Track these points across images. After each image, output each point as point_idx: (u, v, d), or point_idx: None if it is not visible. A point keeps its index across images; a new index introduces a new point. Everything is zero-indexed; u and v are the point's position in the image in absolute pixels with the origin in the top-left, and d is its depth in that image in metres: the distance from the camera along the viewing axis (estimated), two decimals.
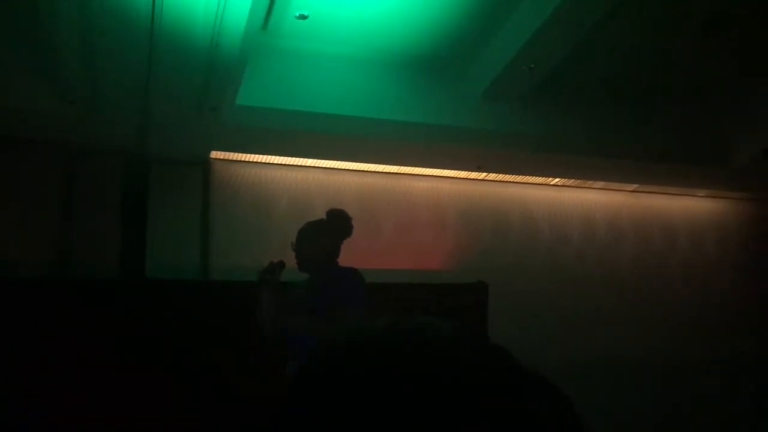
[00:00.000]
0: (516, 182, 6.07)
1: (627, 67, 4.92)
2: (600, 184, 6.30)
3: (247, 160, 5.27)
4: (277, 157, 5.26)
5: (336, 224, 3.16)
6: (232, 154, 5.19)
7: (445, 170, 5.76)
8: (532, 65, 4.34)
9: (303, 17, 4.14)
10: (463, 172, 5.80)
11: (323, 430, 0.48)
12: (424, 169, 5.70)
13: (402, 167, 5.63)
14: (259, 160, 5.30)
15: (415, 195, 5.73)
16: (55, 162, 4.67)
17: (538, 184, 6.16)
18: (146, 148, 4.78)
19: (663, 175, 6.00)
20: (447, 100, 4.82)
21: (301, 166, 5.41)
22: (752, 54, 4.78)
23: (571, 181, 6.20)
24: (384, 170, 5.62)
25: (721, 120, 5.53)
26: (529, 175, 6.00)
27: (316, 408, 0.50)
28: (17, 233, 4.40)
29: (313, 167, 5.45)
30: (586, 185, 6.30)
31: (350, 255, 3.25)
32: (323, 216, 3.21)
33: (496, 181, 6.00)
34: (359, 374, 0.50)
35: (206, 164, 5.19)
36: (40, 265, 4.45)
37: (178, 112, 4.23)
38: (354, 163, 5.47)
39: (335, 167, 5.49)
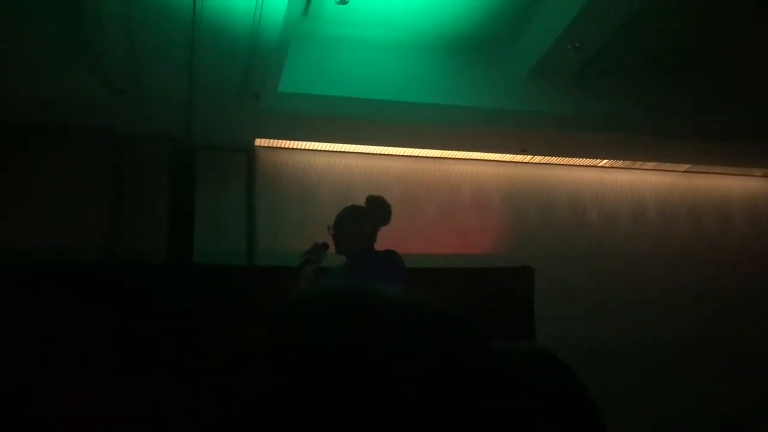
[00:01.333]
0: (562, 164, 5.96)
1: (676, 43, 4.75)
2: (650, 164, 6.13)
3: (290, 146, 5.30)
4: (320, 143, 5.28)
5: (374, 211, 3.17)
6: (275, 141, 5.23)
7: (490, 153, 5.69)
8: (577, 44, 4.24)
9: (343, 2, 4.11)
10: (507, 155, 5.71)
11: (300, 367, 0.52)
12: (468, 152, 5.64)
13: (446, 151, 5.58)
14: (302, 147, 5.32)
15: (459, 179, 5.68)
16: (104, 149, 4.77)
17: (586, 165, 6.03)
18: (192, 135, 4.85)
19: (717, 154, 5.81)
20: (490, 82, 4.75)
21: (343, 152, 5.42)
22: None
23: (619, 163, 6.05)
24: (427, 155, 5.59)
25: None
26: (576, 157, 5.88)
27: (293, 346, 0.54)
28: (67, 220, 4.52)
29: (356, 153, 5.44)
30: (636, 166, 6.14)
31: (394, 240, 3.24)
32: (365, 200, 3.22)
33: (541, 163, 5.90)
34: (325, 322, 0.54)
35: (251, 151, 5.23)
36: (90, 251, 4.56)
37: (221, 100, 4.27)
38: (397, 148, 5.45)
39: (378, 152, 5.47)
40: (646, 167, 6.17)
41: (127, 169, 4.86)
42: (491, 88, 4.73)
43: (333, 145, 5.32)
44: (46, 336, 3.84)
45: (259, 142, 5.21)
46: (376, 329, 0.53)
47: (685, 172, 6.29)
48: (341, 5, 4.14)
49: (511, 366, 0.54)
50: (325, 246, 3.19)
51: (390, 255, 3.04)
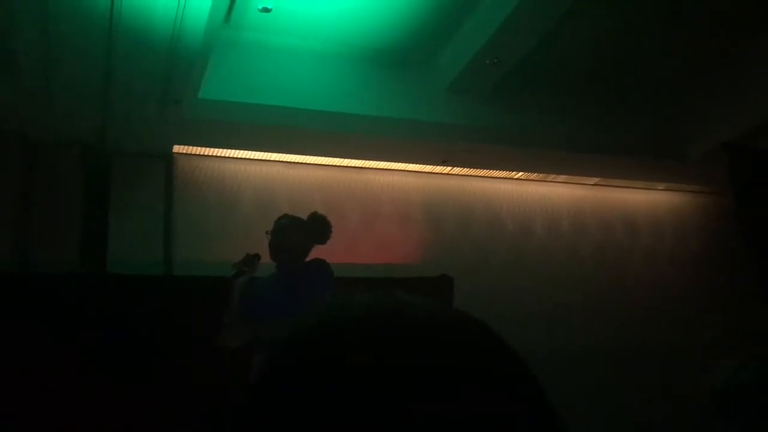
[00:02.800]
0: (480, 176, 6.12)
1: (589, 61, 4.99)
2: (563, 177, 6.38)
3: (210, 154, 5.22)
4: (241, 151, 5.22)
5: (315, 228, 3.20)
6: (195, 148, 5.13)
7: (410, 164, 5.78)
8: (496, 59, 4.38)
9: (266, 10, 4.11)
10: (428, 166, 5.82)
11: (302, 424, 0.45)
12: (388, 163, 5.71)
13: (366, 161, 5.63)
14: (222, 154, 5.24)
15: (380, 189, 5.74)
16: (14, 154, 4.56)
17: (502, 177, 6.22)
18: (107, 140, 4.70)
19: (624, 169, 6.11)
20: (411, 94, 4.84)
21: (264, 160, 5.37)
22: (709, 48, 4.90)
23: (534, 175, 6.26)
24: (348, 164, 5.62)
25: (681, 114, 5.65)
26: (493, 169, 6.05)
27: (292, 400, 0.47)
28: None
29: (277, 161, 5.41)
30: (549, 179, 6.38)
31: (315, 249, 3.26)
32: (286, 209, 3.23)
33: (460, 175, 6.04)
34: (339, 359, 0.47)
35: (169, 158, 5.12)
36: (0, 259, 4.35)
37: (139, 105, 4.16)
38: (318, 158, 5.45)
39: (299, 161, 5.46)
40: (558, 180, 6.41)
41: (37, 175, 4.65)
42: (412, 100, 4.83)
43: (254, 153, 5.27)
44: None
45: (178, 149, 5.11)
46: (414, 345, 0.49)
47: (594, 185, 6.58)
48: (264, 13, 4.13)
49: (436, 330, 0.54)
50: (258, 257, 3.20)
51: (320, 264, 3.07)
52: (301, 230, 3.16)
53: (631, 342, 6.08)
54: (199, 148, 5.13)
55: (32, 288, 4.08)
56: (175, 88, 3.95)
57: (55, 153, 4.69)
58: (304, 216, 3.27)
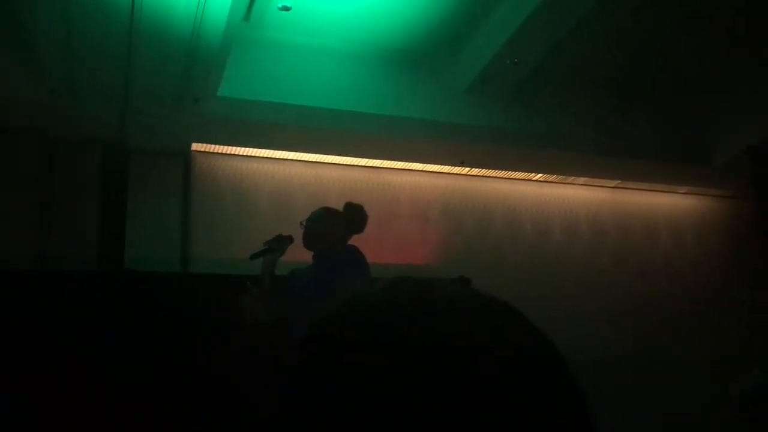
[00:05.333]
0: (498, 177, 6.07)
1: (611, 63, 4.94)
2: (582, 180, 6.32)
3: (228, 152, 5.22)
4: (259, 149, 5.22)
5: (351, 218, 3.18)
6: (213, 146, 5.14)
7: (429, 165, 5.75)
8: (516, 60, 4.35)
9: (286, 9, 4.10)
10: (446, 166, 5.79)
11: (337, 408, 0.46)
12: (407, 163, 5.68)
13: (385, 161, 5.61)
14: (240, 153, 5.25)
15: (398, 189, 5.72)
16: (34, 151, 4.59)
17: (521, 179, 6.17)
18: (126, 138, 4.72)
19: (645, 172, 6.04)
20: (431, 94, 4.81)
21: (282, 159, 5.37)
22: (735, 51, 4.82)
23: (553, 177, 6.21)
24: (366, 164, 5.60)
25: (704, 117, 5.57)
26: (512, 171, 6.00)
27: (329, 382, 0.47)
28: None
29: (295, 160, 5.41)
30: (568, 181, 6.32)
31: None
32: (304, 209, 3.22)
33: (478, 176, 6.00)
34: (368, 341, 0.48)
35: (187, 156, 5.13)
36: (17, 255, 4.38)
37: (158, 103, 4.18)
38: (336, 157, 5.44)
39: (317, 161, 5.45)
40: (578, 182, 6.35)
41: (57, 173, 4.67)
42: (432, 101, 4.80)
43: (272, 151, 5.27)
44: None
45: (196, 146, 5.12)
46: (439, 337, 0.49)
47: (614, 188, 6.51)
48: (284, 12, 4.13)
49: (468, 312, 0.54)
50: (290, 239, 3.15)
51: (354, 251, 3.04)
52: (335, 220, 3.14)
53: (650, 348, 6.01)
54: (217, 146, 5.14)
55: (50, 285, 4.10)
56: (194, 87, 3.95)
57: (75, 151, 4.72)
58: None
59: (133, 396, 3.87)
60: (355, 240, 3.26)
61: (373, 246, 5.37)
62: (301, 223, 3.15)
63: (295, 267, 3.23)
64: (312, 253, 3.16)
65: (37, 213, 4.54)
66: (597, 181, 6.38)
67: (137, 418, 3.83)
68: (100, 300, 4.11)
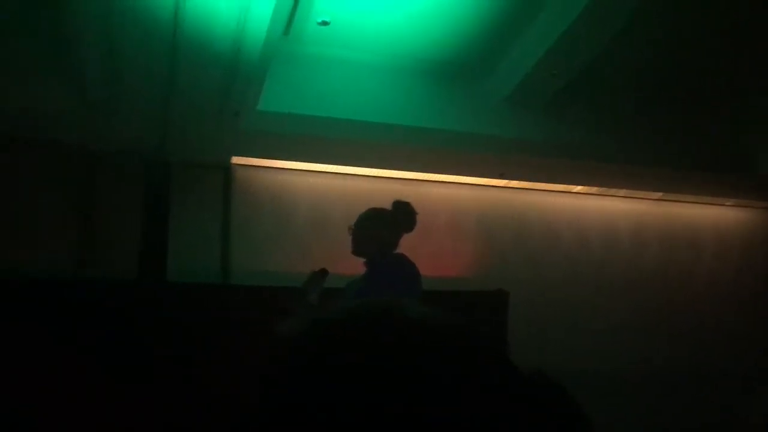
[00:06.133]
0: (536, 189, 6.02)
1: (652, 73, 4.86)
2: (623, 192, 6.22)
3: (267, 165, 5.29)
4: (298, 162, 5.27)
5: (399, 216, 3.12)
6: (253, 159, 5.21)
7: (467, 177, 5.72)
8: (554, 71, 4.31)
9: (325, 23, 4.14)
10: (484, 179, 5.76)
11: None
12: (445, 175, 5.67)
13: (423, 174, 5.61)
14: (279, 166, 5.31)
15: (436, 202, 5.70)
16: (77, 164, 4.71)
17: (560, 191, 6.10)
18: (168, 151, 4.81)
19: (689, 184, 5.91)
20: (469, 106, 4.80)
21: (320, 171, 5.41)
22: None
23: (593, 189, 6.12)
24: (404, 177, 5.60)
25: (750, 127, 5.43)
26: (551, 183, 5.94)
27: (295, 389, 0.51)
28: (39, 235, 4.45)
29: (333, 173, 5.44)
30: (609, 193, 6.22)
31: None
32: (342, 221, 3.19)
33: (516, 188, 5.96)
34: (328, 359, 0.52)
35: (227, 169, 5.21)
36: (61, 267, 4.48)
37: (199, 117, 4.25)
38: (374, 170, 5.46)
39: (355, 173, 5.48)
40: (619, 194, 6.25)
41: (99, 185, 4.79)
42: (469, 113, 4.78)
43: (311, 164, 5.32)
44: (12, 353, 3.76)
45: (236, 160, 5.19)
46: (402, 348, 0.52)
47: (657, 200, 6.39)
48: (322, 26, 4.17)
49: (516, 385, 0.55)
50: (323, 273, 3.07)
51: (403, 259, 2.98)
52: (383, 220, 3.08)
53: (692, 364, 5.86)
54: (256, 159, 5.21)
55: (92, 296, 4.19)
56: (234, 101, 4.01)
57: (118, 164, 4.83)
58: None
59: (172, 405, 3.92)
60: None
61: (412, 258, 5.38)
62: (349, 228, 3.10)
63: (349, 280, 3.20)
64: (362, 260, 3.10)
65: (80, 225, 4.65)
66: (639, 193, 6.26)
67: (175, 428, 3.88)
68: (142, 311, 4.18)
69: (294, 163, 5.27)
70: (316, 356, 0.53)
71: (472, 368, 0.52)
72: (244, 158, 5.19)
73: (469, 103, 4.80)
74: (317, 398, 0.49)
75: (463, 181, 5.77)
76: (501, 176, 5.68)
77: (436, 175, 5.64)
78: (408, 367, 0.50)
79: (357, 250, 3.07)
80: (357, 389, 0.48)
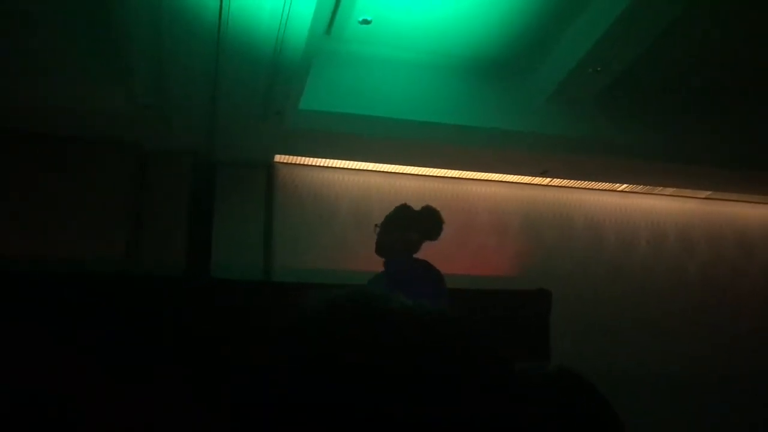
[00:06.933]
0: (581, 188, 5.93)
1: (699, 69, 4.74)
2: (670, 190, 6.09)
3: (309, 163, 5.33)
4: (339, 161, 5.30)
5: (426, 222, 3.11)
6: (295, 157, 5.26)
7: (509, 175, 5.68)
8: (599, 68, 4.24)
9: (366, 22, 4.15)
10: (527, 177, 5.70)
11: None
12: (487, 174, 5.63)
13: (464, 172, 5.58)
14: (321, 164, 5.35)
15: (478, 200, 5.67)
16: (126, 163, 4.82)
17: (605, 189, 6.00)
18: (213, 150, 4.90)
19: (738, 182, 5.76)
20: (512, 103, 4.76)
21: (361, 170, 5.44)
22: None
23: (639, 188, 6.01)
24: (446, 175, 5.59)
25: None
26: (595, 181, 5.85)
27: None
28: (88, 231, 4.57)
29: (374, 171, 5.46)
30: (656, 192, 6.10)
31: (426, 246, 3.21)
32: (382, 218, 3.19)
33: (559, 186, 5.88)
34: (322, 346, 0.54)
35: (270, 167, 5.27)
36: (109, 262, 4.60)
37: (243, 116, 4.31)
38: (415, 168, 5.46)
39: (396, 171, 5.48)
40: (665, 193, 6.13)
41: (149, 184, 4.90)
42: (512, 110, 4.74)
43: (352, 162, 5.34)
44: (60, 346, 3.87)
45: (279, 158, 5.25)
46: (394, 340, 0.52)
47: (705, 198, 6.24)
48: (364, 25, 4.18)
49: (537, 384, 0.55)
50: None
51: (426, 267, 2.96)
52: (408, 224, 3.08)
53: (737, 367, 5.70)
54: (298, 157, 5.26)
55: (140, 290, 4.29)
56: (276, 100, 4.05)
57: (165, 162, 4.93)
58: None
59: (212, 401, 3.98)
60: (430, 249, 3.20)
61: (453, 256, 5.37)
62: (375, 226, 3.10)
63: (370, 277, 3.22)
64: (383, 260, 3.10)
65: (128, 221, 4.76)
66: (686, 192, 6.13)
67: (216, 424, 3.94)
68: (188, 306, 4.27)
69: (336, 161, 5.31)
70: (306, 351, 0.55)
71: (466, 364, 0.52)
72: (287, 156, 5.24)
73: (512, 100, 4.76)
74: (308, 394, 0.51)
75: (505, 179, 5.73)
76: (543, 174, 5.62)
77: (478, 173, 5.61)
78: (397, 363, 0.50)
79: (378, 250, 3.07)
80: (346, 384, 0.49)
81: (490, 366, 0.53)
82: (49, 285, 4.13)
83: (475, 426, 0.47)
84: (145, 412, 3.82)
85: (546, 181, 5.79)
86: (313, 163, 5.34)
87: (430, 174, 5.55)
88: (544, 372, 0.56)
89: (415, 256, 3.13)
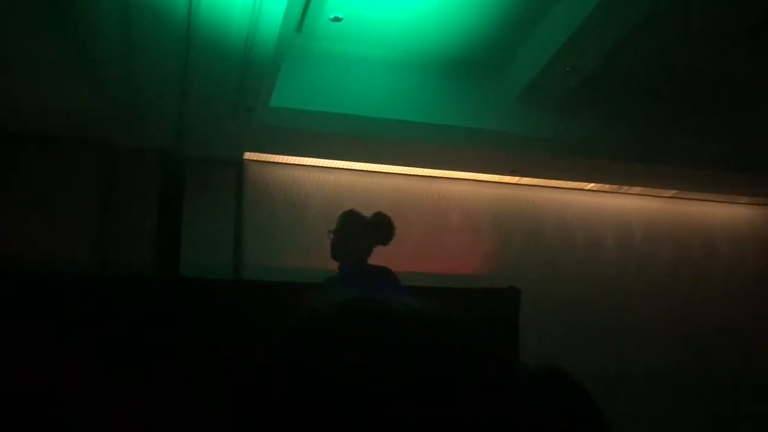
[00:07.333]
0: (550, 186, 6.00)
1: (667, 69, 4.82)
2: (637, 189, 6.19)
3: (280, 161, 5.31)
4: (310, 158, 5.29)
5: (377, 229, 3.18)
6: (265, 155, 5.23)
7: (479, 174, 5.72)
8: (568, 68, 4.29)
9: (337, 20, 4.15)
10: (496, 176, 5.75)
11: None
12: (457, 172, 5.67)
13: (435, 170, 5.61)
14: (292, 162, 5.33)
15: (448, 198, 5.70)
16: (94, 160, 4.75)
17: (573, 189, 6.08)
18: (182, 148, 4.84)
19: (703, 181, 5.88)
20: (481, 103, 4.79)
21: (333, 168, 5.43)
22: None
23: (606, 187, 6.10)
24: (416, 173, 5.61)
25: (764, 126, 5.38)
26: (564, 180, 5.92)
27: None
28: (55, 230, 4.49)
29: (346, 169, 5.46)
30: (622, 191, 6.20)
31: (381, 256, 3.25)
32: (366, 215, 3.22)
33: (529, 185, 5.94)
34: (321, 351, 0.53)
35: (240, 165, 5.23)
36: (77, 262, 4.53)
37: (213, 113, 4.27)
38: (387, 166, 5.47)
39: (368, 170, 5.49)
40: (632, 192, 6.22)
41: (117, 181, 4.83)
42: (482, 109, 4.77)
43: (323, 160, 5.33)
44: (23, 347, 3.79)
45: (249, 156, 5.22)
46: (396, 341, 0.52)
47: (671, 197, 6.35)
48: (335, 23, 4.17)
49: (529, 384, 0.55)
50: None
51: (385, 273, 3.03)
52: (360, 229, 3.15)
53: (704, 365, 5.83)
54: (269, 155, 5.23)
55: (107, 290, 4.22)
56: (246, 97, 4.03)
57: (133, 159, 4.86)
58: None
59: (181, 402, 3.94)
60: (395, 253, 3.24)
61: (423, 255, 5.40)
62: (329, 232, 3.17)
63: (328, 275, 3.24)
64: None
65: (96, 219, 4.69)
66: (652, 191, 6.23)
67: (186, 425, 3.90)
68: (156, 305, 4.21)
69: (306, 159, 5.29)
70: (308, 352, 0.53)
71: (468, 364, 0.53)
72: (257, 154, 5.21)
73: (482, 99, 4.79)
74: (310, 395, 0.50)
75: (475, 178, 5.77)
76: (513, 173, 5.67)
77: (447, 171, 5.64)
78: (400, 363, 0.50)
79: (334, 255, 3.13)
80: (349, 385, 0.49)
81: (491, 366, 0.54)
82: (14, 284, 4.04)
83: (476, 426, 0.48)
84: (109, 414, 3.76)
85: (515, 179, 5.84)
86: (284, 161, 5.31)
87: (401, 172, 5.57)
88: (534, 371, 0.56)
89: (378, 258, 3.20)
